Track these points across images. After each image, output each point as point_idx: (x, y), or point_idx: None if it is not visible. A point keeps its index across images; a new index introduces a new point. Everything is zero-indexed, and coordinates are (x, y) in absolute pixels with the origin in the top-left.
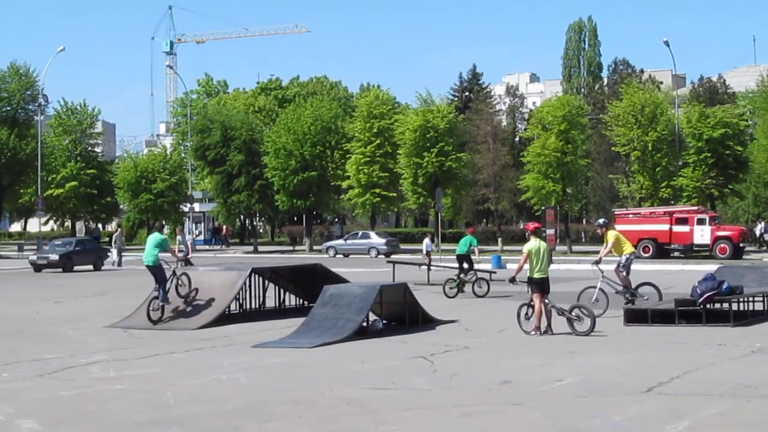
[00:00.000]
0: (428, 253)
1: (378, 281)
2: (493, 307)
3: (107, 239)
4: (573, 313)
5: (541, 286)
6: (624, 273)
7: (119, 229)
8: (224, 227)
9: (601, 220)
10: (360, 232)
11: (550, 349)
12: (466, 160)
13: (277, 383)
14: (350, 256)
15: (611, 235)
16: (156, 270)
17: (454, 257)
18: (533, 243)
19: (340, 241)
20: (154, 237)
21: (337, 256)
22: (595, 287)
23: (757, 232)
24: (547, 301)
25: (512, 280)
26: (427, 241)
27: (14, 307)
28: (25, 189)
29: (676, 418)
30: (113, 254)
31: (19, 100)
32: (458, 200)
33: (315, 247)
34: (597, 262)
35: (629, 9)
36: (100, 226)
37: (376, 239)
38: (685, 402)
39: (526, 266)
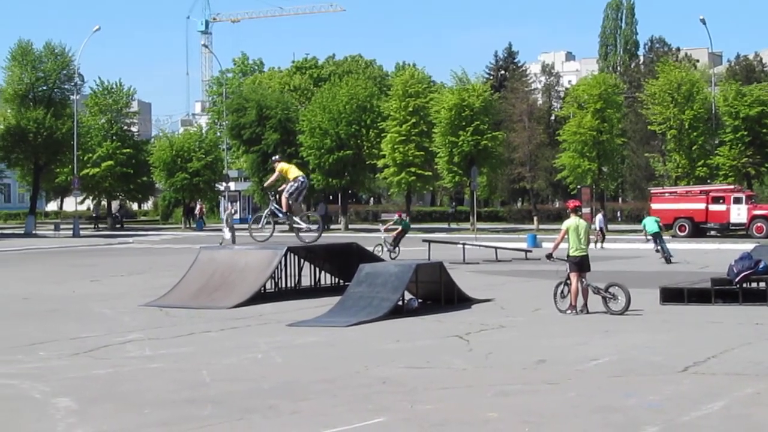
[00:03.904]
0: (601, 230)
1: (414, 260)
2: (528, 285)
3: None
4: (609, 292)
5: (579, 264)
6: (290, 201)
7: (230, 206)
8: (199, 206)
9: (275, 156)
10: None
11: (586, 328)
12: (501, 139)
13: (312, 362)
14: None
15: (278, 168)
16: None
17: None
18: (572, 220)
19: None
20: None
21: None
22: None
23: (597, 225)
24: (584, 280)
25: (549, 256)
26: (599, 217)
27: (50, 286)
28: (61, 168)
29: (711, 398)
30: (225, 232)
31: (55, 80)
32: (494, 179)
33: (350, 226)
34: (263, 188)
35: None
36: (135, 205)
37: None
38: (721, 382)
39: (564, 245)
